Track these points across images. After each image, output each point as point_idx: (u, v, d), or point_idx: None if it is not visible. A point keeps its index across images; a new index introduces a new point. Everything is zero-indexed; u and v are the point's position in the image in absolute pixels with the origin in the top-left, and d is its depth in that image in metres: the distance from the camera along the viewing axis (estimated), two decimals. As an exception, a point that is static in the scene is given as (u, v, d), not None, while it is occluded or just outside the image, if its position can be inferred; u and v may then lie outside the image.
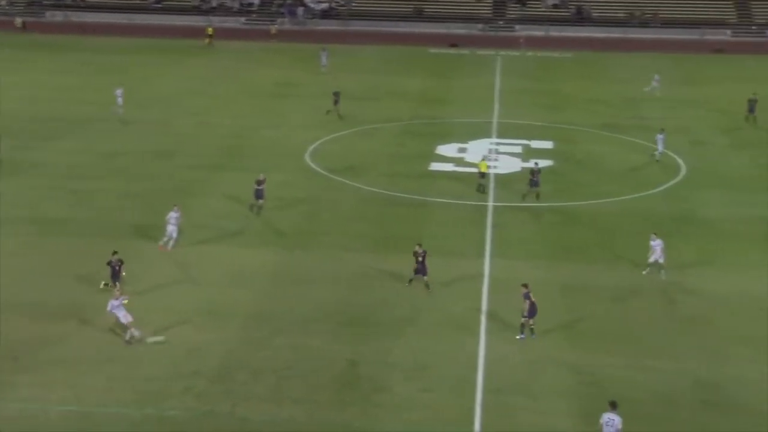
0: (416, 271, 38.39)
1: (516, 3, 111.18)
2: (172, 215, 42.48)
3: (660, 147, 57.58)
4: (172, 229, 42.37)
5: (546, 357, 33.40)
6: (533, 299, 34.48)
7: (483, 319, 36.20)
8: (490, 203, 49.68)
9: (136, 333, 33.70)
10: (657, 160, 57.36)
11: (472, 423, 29.15)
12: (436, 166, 57.04)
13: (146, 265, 40.65)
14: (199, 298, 37.53)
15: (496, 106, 73.50)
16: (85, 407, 29.57)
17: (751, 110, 67.54)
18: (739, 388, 31.42)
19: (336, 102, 67.81)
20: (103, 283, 37.74)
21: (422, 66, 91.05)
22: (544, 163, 55.90)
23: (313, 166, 56.28)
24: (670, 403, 30.41)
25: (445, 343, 34.29)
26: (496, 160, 58.03)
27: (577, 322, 36.09)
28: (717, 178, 55.12)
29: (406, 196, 50.91)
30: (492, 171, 55.16)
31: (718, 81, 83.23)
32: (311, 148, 60.05)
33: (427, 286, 38.29)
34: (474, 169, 55.16)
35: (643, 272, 40.02)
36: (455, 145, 61.61)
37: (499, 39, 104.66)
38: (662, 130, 58.35)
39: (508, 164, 57.18)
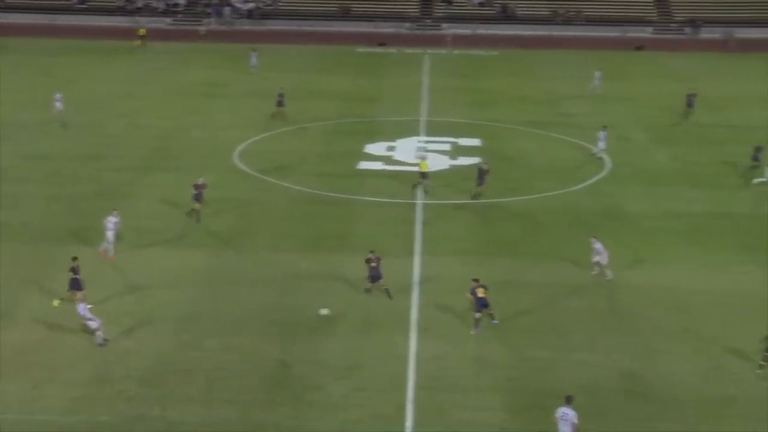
0: (371, 279, 38.14)
1: (442, 2, 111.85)
2: (111, 219, 41.73)
3: (602, 144, 58.08)
4: (110, 234, 41.63)
5: (478, 353, 33.72)
6: (480, 295, 34.89)
7: (414, 316, 36.40)
8: (420, 201, 49.94)
9: (101, 337, 33.48)
10: (598, 157, 57.91)
11: (404, 420, 29.30)
12: (365, 165, 57.21)
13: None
14: (129, 301, 37.25)
15: (424, 104, 73.95)
16: (11, 414, 29.11)
17: (690, 105, 68.67)
18: (663, 379, 32.05)
19: (280, 103, 67.27)
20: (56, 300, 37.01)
21: (350, 65, 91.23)
22: (472, 160, 56.40)
23: (242, 166, 56.06)
24: (596, 394, 30.87)
25: (377, 341, 34.40)
26: (425, 158, 58.34)
27: (508, 318, 36.38)
28: (640, 173, 56.08)
29: (335, 195, 50.99)
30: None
31: (640, 77, 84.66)
32: (240, 148, 59.80)
33: (387, 293, 37.88)
34: (403, 168, 55.73)
35: (592, 273, 40.34)
36: (384, 144, 61.84)
37: (426, 38, 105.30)
38: (604, 127, 58.85)
39: (437, 162, 57.48)
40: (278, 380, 31.66)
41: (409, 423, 29.20)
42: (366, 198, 50.54)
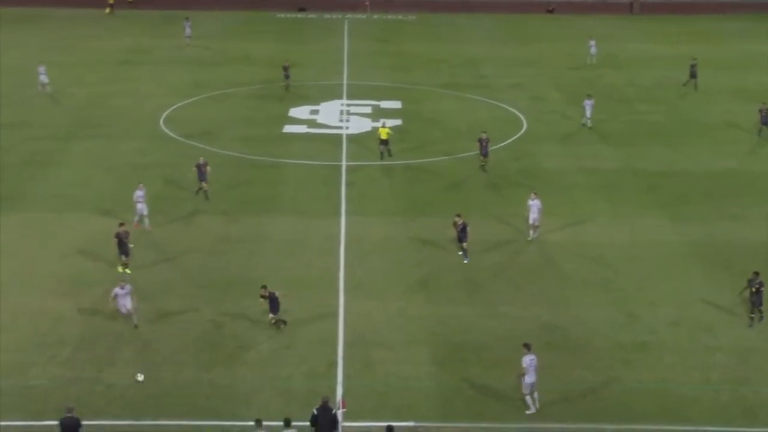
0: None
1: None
2: (138, 193, 41.51)
3: (588, 113, 57.84)
4: (141, 207, 41.44)
5: (403, 309, 34.87)
6: (458, 230, 38.33)
7: (341, 276, 37.38)
8: (344, 162, 50.80)
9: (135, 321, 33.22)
10: (589, 127, 57.82)
11: (335, 376, 30.28)
12: (289, 129, 57.83)
13: (1, 232, 40.85)
14: (58, 266, 37.62)
15: (346, 68, 74.50)
16: (-56, 381, 29.42)
17: (693, 75, 68.07)
18: (579, 329, 33.63)
19: (287, 76, 66.11)
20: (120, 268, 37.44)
21: (271, 30, 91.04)
22: (393, 122, 57.32)
23: (167, 132, 56.36)
24: (518, 346, 31.65)
25: (306, 300, 35.26)
26: (348, 120, 59.30)
27: (431, 275, 37.65)
28: (555, 132, 57.62)
29: (261, 158, 51.63)
30: (345, 131, 56.48)
31: (550, 40, 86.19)
32: (165, 114, 59.97)
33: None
34: (327, 131, 56.58)
35: (528, 238, 41.01)
36: (307, 108, 62.43)
37: (345, 3, 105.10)
38: (589, 96, 58.76)
39: (359, 124, 58.43)
40: (211, 340, 32.41)
41: (339, 378, 30.14)
42: (291, 161, 51.26)
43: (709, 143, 55.73)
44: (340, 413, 26.91)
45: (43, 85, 63.80)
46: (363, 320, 33.98)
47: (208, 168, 45.10)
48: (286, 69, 66.32)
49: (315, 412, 26.04)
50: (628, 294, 36.37)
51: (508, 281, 37.36)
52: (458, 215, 39.06)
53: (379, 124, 53.62)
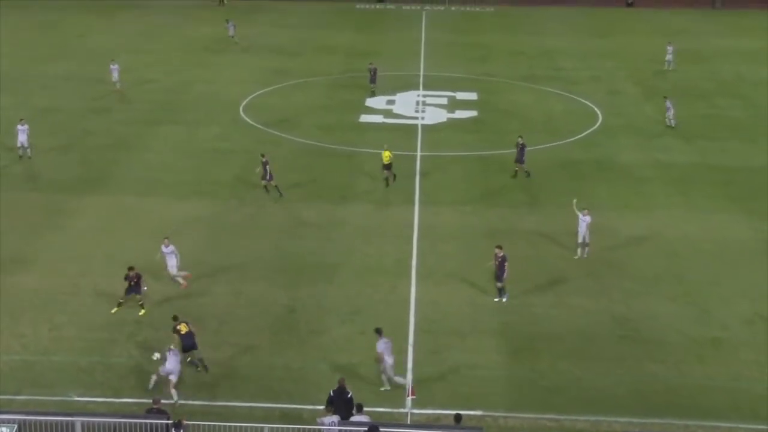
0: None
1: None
2: (163, 249, 35.92)
3: (670, 112, 56.55)
4: (170, 265, 35.85)
5: (473, 299, 35.05)
6: (496, 263, 34.63)
7: (413, 263, 37.71)
8: (418, 153, 51.09)
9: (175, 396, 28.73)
10: (673, 126, 56.45)
11: (405, 363, 30.48)
12: (365, 118, 58.35)
13: (87, 213, 42.07)
14: (138, 248, 38.30)
15: (423, 59, 74.77)
16: (32, 356, 30.40)
17: None
18: (651, 323, 33.49)
19: (372, 80, 64.10)
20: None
21: (350, 21, 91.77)
22: (468, 113, 57.42)
23: (246, 119, 57.25)
24: (589, 338, 32.27)
25: (378, 287, 35.71)
26: (423, 111, 59.61)
27: (502, 265, 37.80)
28: (630, 125, 57.30)
29: (337, 147, 52.20)
30: (420, 122, 56.82)
31: (628, 33, 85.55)
32: (245, 102, 60.96)
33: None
34: (403, 121, 57.04)
35: (575, 257, 38.87)
36: (383, 98, 62.88)
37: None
38: (665, 98, 57.70)
39: (435, 115, 58.71)
40: (284, 324, 32.94)
41: (410, 364, 30.42)
42: (367, 150, 51.72)
43: (789, 139, 54.88)
44: (409, 400, 27.20)
45: (114, 82, 62.80)
46: (434, 308, 34.24)
47: (269, 165, 43.91)
48: (371, 72, 64.28)
49: (331, 393, 26.30)
50: (701, 289, 36.12)
51: (579, 273, 37.30)
52: (499, 246, 35.07)
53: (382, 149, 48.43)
